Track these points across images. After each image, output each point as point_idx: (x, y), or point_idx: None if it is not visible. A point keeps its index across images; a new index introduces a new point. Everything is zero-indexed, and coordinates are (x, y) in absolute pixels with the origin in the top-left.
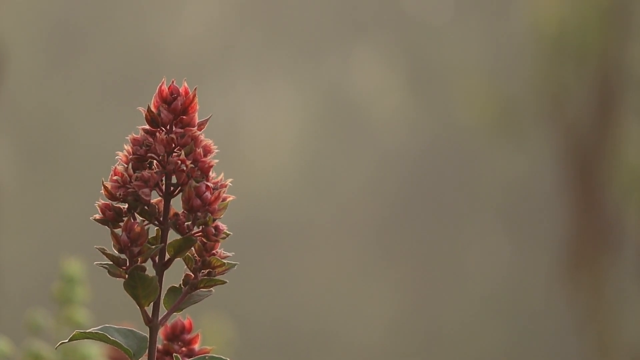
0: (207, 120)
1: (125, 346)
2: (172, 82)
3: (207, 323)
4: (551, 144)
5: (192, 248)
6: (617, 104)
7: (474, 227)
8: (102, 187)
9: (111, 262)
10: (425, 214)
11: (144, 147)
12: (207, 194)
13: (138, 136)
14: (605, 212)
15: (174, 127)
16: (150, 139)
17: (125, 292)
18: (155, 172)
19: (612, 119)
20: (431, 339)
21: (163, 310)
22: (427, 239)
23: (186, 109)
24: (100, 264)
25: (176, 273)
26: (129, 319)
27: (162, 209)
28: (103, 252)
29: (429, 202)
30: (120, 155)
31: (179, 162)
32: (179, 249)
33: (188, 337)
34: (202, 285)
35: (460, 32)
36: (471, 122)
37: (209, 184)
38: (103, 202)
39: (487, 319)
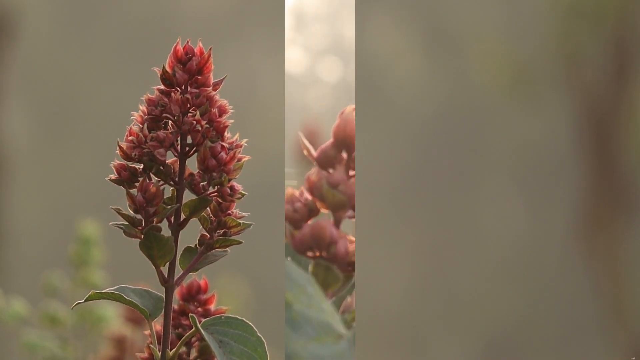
0: (222, 80)
1: (141, 306)
2: (187, 42)
3: (223, 285)
4: (567, 106)
5: (208, 208)
6: (633, 66)
7: (489, 190)
8: (118, 148)
9: (127, 223)
10: (439, 177)
11: (159, 108)
12: (223, 154)
13: (153, 96)
14: (621, 174)
15: (189, 87)
16: (166, 99)
17: (140, 252)
18: (170, 133)
19: (628, 81)
20: (447, 301)
21: (179, 271)
22: (441, 201)
23: (201, 69)
24: (116, 224)
25: (192, 233)
26: (144, 279)
27: (177, 169)
28: (119, 212)
29: (444, 164)
30: (136, 116)
31: (194, 122)
32: (195, 209)
33: (204, 297)
34: (217, 246)
35: None
36: (486, 84)
37: (224, 144)
38: (118, 162)
39: (502, 281)
